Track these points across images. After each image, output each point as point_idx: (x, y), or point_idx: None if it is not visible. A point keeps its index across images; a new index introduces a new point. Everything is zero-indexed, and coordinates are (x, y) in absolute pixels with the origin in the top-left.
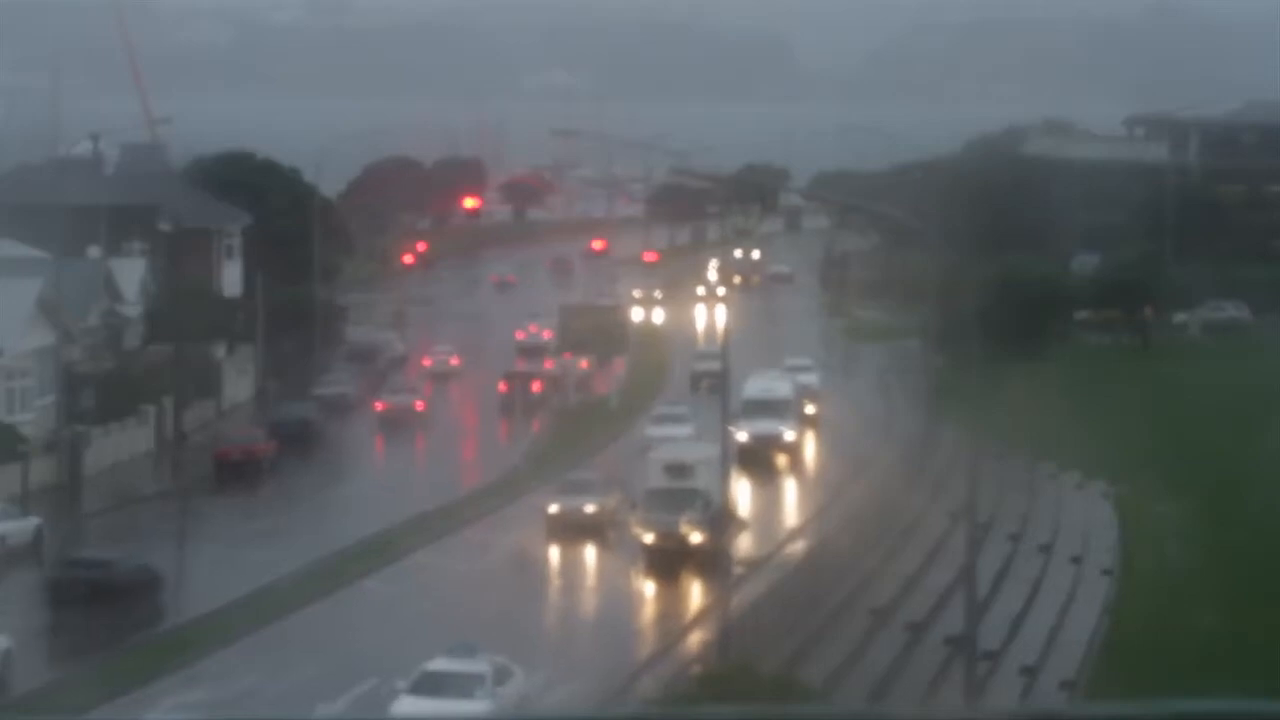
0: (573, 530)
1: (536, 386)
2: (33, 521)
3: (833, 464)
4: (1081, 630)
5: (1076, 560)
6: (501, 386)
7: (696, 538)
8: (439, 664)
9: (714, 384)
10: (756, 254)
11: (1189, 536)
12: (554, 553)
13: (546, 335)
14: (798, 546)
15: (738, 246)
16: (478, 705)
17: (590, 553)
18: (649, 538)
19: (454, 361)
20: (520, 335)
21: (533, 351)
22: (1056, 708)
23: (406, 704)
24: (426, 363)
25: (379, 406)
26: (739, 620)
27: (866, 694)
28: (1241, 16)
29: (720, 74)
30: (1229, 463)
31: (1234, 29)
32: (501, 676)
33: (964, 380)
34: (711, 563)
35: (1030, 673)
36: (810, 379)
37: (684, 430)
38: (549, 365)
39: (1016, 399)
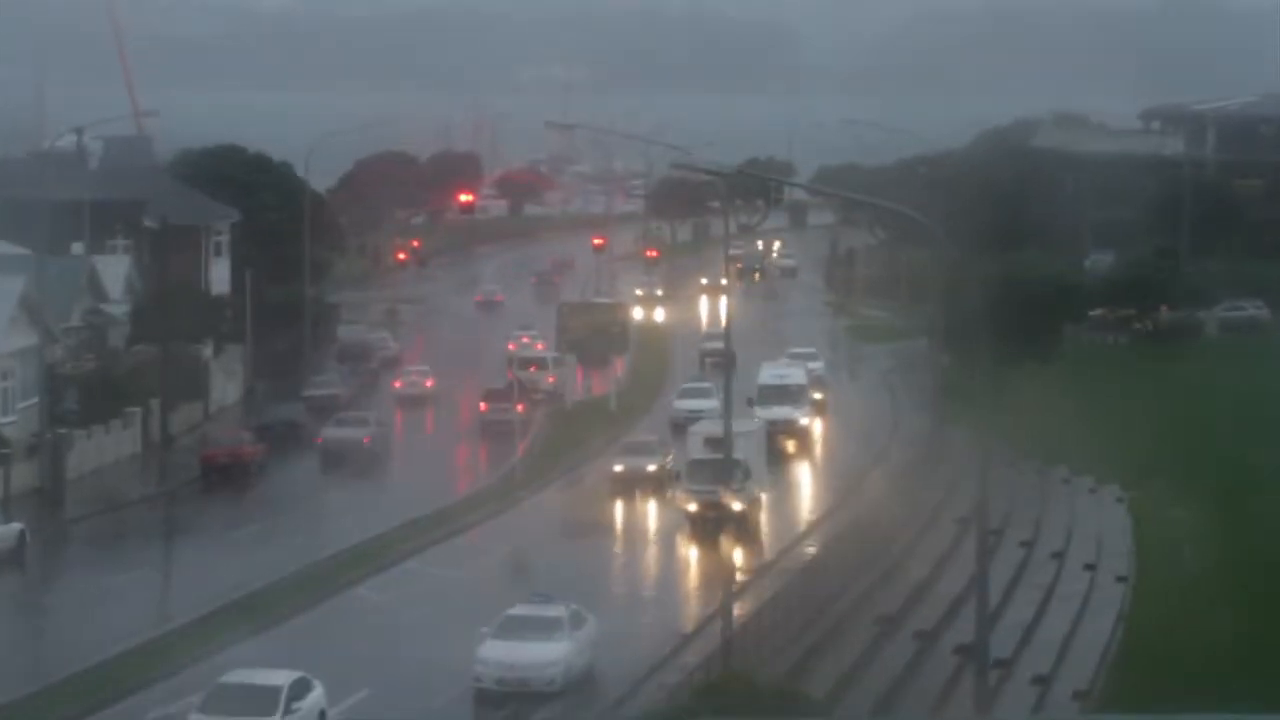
0: (634, 486)
1: (520, 407)
2: (15, 527)
3: (838, 452)
4: (1095, 638)
5: (1090, 567)
6: (482, 406)
7: (737, 505)
8: (520, 610)
9: (718, 361)
10: (777, 245)
11: (1206, 542)
12: (557, 551)
13: (540, 347)
14: (803, 550)
15: (746, 241)
16: (557, 645)
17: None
18: (692, 506)
19: (428, 383)
20: (512, 347)
21: (524, 366)
22: (1069, 718)
23: (492, 646)
24: (397, 385)
25: (318, 440)
26: (741, 627)
27: (873, 704)
28: (1258, 5)
29: (722, 66)
30: (1246, 466)
31: (1250, 18)
32: (577, 621)
33: (972, 381)
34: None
35: (1043, 682)
36: (816, 365)
37: (709, 403)
38: (510, 376)
39: (1027, 401)
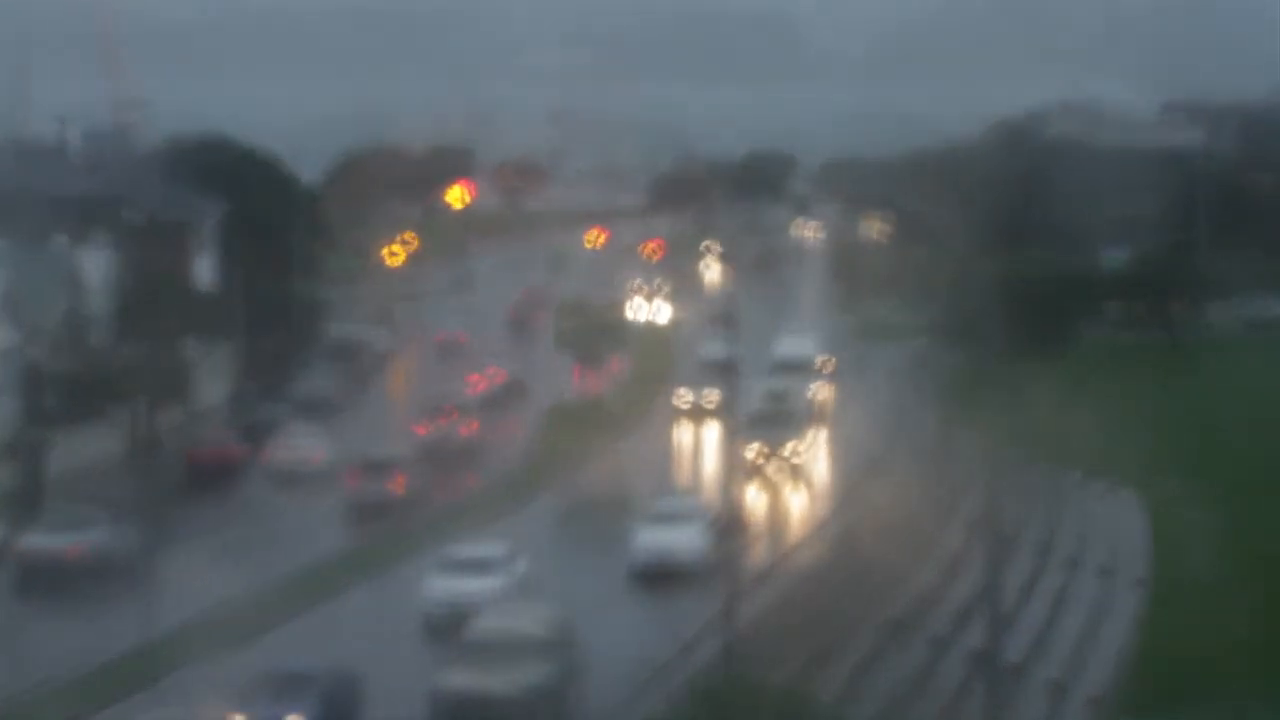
0: (698, 415)
1: (399, 480)
2: None
3: (842, 434)
4: (1111, 643)
5: (1106, 570)
6: (350, 481)
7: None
8: (667, 503)
9: (725, 325)
10: (773, 239)
11: (1224, 545)
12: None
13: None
14: (808, 552)
15: (749, 235)
16: (695, 530)
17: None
18: (753, 453)
19: (316, 457)
20: (477, 382)
21: (434, 414)
22: None
23: (646, 534)
24: (280, 455)
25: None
26: (744, 631)
27: (883, 710)
28: None
29: (725, 55)
30: (1266, 466)
31: (1267, 9)
32: (706, 512)
33: (983, 381)
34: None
35: (1058, 687)
36: (813, 339)
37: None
38: (423, 432)
39: (1039, 400)
